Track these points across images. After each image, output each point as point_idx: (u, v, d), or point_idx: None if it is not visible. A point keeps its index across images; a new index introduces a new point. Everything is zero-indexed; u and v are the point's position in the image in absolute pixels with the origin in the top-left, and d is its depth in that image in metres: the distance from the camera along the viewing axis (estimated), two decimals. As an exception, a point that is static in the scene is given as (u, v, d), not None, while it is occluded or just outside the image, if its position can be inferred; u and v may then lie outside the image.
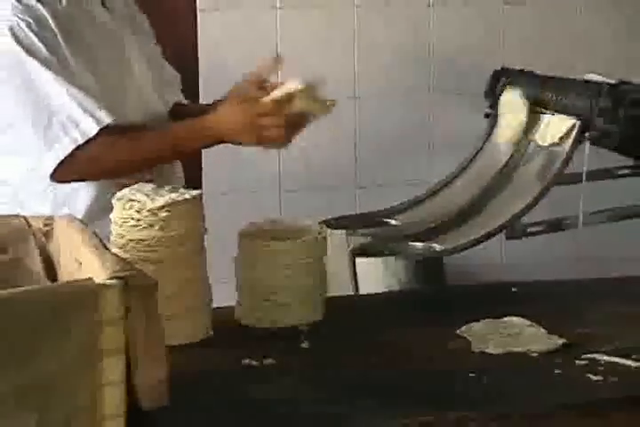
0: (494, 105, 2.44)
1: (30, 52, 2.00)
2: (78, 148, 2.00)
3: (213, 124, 2.05)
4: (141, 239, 1.71)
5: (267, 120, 1.99)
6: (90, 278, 1.24)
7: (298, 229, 1.91)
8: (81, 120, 2.00)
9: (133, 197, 1.75)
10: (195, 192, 1.78)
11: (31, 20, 2.01)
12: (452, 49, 3.21)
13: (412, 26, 3.21)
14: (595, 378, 1.61)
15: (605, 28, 3.29)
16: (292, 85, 2.00)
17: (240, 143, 2.08)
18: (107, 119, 2.01)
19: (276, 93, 1.99)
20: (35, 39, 2.00)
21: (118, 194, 1.78)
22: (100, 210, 1.97)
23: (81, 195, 2.11)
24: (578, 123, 2.15)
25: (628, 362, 1.66)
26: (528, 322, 1.84)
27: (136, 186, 1.81)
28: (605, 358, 1.68)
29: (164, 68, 2.36)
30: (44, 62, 2.00)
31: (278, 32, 3.16)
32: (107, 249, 1.39)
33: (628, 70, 2.25)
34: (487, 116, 2.45)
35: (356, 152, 3.17)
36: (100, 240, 1.42)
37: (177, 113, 2.30)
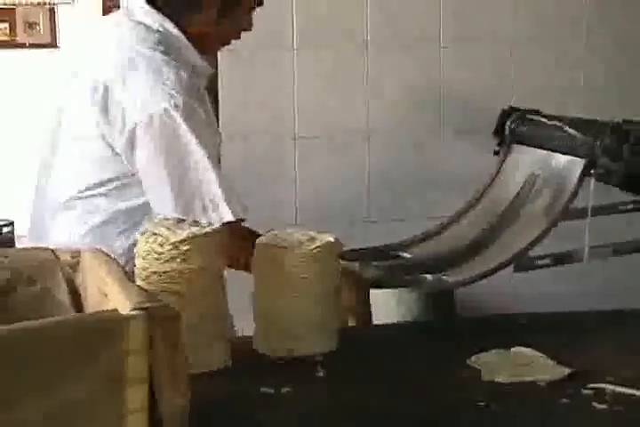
0: (502, 143, 2.45)
1: (194, 122, 2.02)
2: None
3: None
4: (164, 271, 1.71)
5: None
6: (115, 309, 1.24)
7: (312, 238, 1.89)
8: (223, 204, 2.04)
9: (156, 231, 1.76)
10: (215, 226, 1.79)
11: (195, 96, 2.05)
12: (461, 89, 3.23)
13: (423, 66, 3.23)
14: (600, 407, 1.61)
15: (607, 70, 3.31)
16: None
17: None
18: (241, 213, 2.06)
19: None
20: (202, 113, 2.05)
21: (142, 228, 1.79)
22: None
23: None
24: (583, 160, 2.15)
25: (633, 391, 1.67)
26: (536, 352, 1.83)
27: (158, 220, 1.82)
28: (611, 387, 1.68)
29: None
30: (202, 137, 2.03)
31: (295, 72, 3.18)
32: (131, 281, 1.40)
33: (624, 111, 2.25)
34: (496, 153, 2.46)
35: (368, 187, 3.18)
36: (125, 272, 1.43)
37: None
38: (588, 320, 2.12)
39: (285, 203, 3.11)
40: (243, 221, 2.09)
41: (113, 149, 2.06)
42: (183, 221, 1.81)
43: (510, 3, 3.24)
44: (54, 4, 6.29)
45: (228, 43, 2.24)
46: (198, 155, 2.02)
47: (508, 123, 2.43)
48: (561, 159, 2.24)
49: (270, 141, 3.15)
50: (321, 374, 1.77)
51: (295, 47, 3.17)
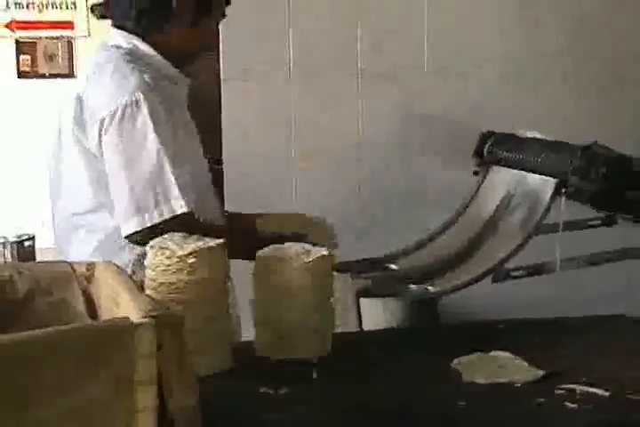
0: (482, 164, 2.46)
1: (155, 120, 2.01)
2: (165, 221, 2.01)
3: None
4: (171, 282, 1.72)
5: None
6: (126, 317, 1.25)
7: (307, 251, 1.89)
8: (174, 198, 2.01)
9: (164, 245, 1.76)
10: (218, 241, 1.79)
11: (156, 97, 2.04)
12: (444, 114, 3.23)
13: (410, 93, 3.23)
14: (571, 406, 1.61)
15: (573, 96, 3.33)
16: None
17: None
18: (187, 206, 2.02)
19: None
20: (162, 111, 2.04)
21: (152, 242, 1.79)
22: None
23: None
24: (555, 180, 2.16)
25: (600, 391, 1.67)
26: (512, 356, 1.84)
27: (167, 235, 1.82)
28: (581, 388, 1.69)
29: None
30: (163, 140, 2.02)
31: (292, 99, 3.18)
32: (141, 291, 1.41)
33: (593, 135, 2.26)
34: (475, 173, 2.47)
35: (358, 204, 3.19)
36: (135, 283, 1.44)
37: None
38: (559, 326, 2.12)
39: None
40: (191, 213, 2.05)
41: (94, 156, 2.07)
42: (189, 236, 1.81)
43: (495, 33, 3.24)
44: (72, 38, 6.33)
45: (200, 55, 2.26)
46: (153, 149, 2.00)
47: (487, 145, 2.44)
48: (535, 179, 2.25)
49: (271, 160, 3.16)
50: (315, 375, 1.77)
51: (291, 75, 3.18)
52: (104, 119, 2.02)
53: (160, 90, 2.07)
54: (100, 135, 2.04)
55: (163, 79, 2.12)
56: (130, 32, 2.15)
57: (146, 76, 2.05)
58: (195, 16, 2.13)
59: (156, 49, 2.14)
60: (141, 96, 2.01)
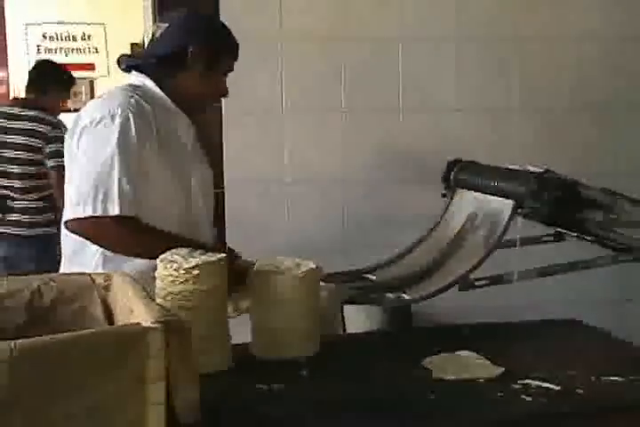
0: (449, 188, 2.46)
1: (123, 137, 1.96)
2: (96, 217, 1.93)
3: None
4: (178, 292, 1.72)
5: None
6: (139, 323, 1.25)
7: (298, 264, 1.88)
8: (111, 201, 1.93)
9: (172, 259, 1.76)
10: (220, 255, 1.79)
11: (137, 116, 2.00)
12: (417, 145, 3.25)
13: (388, 128, 3.24)
14: (528, 399, 1.61)
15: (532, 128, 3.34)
16: None
17: None
18: (131, 211, 1.95)
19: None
20: (133, 133, 1.98)
21: (161, 256, 1.78)
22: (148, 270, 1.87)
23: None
24: (513, 202, 2.16)
25: (552, 386, 1.67)
26: (476, 355, 1.84)
27: (175, 250, 1.82)
28: (535, 382, 1.68)
29: (212, 189, 2.33)
30: (125, 153, 1.96)
31: (284, 132, 3.19)
32: (152, 299, 1.40)
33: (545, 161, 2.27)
34: (444, 196, 2.47)
35: (343, 224, 3.19)
36: (147, 292, 1.43)
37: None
38: (518, 328, 2.12)
39: (277, 239, 3.11)
40: (132, 218, 1.96)
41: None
42: (195, 250, 1.81)
43: (455, 77, 3.26)
44: (94, 78, 6.34)
45: (208, 103, 2.25)
46: (109, 153, 1.95)
47: (453, 172, 2.44)
48: (495, 201, 2.24)
49: (265, 188, 3.16)
50: (305, 373, 1.77)
51: (284, 112, 3.18)
52: (84, 127, 2.00)
53: (146, 112, 2.02)
54: (78, 140, 2.02)
55: (159, 108, 2.08)
56: (146, 75, 2.14)
57: (132, 100, 2.02)
58: (205, 68, 2.12)
59: (164, 91, 2.12)
60: (119, 110, 1.98)
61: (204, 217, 2.21)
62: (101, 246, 2.01)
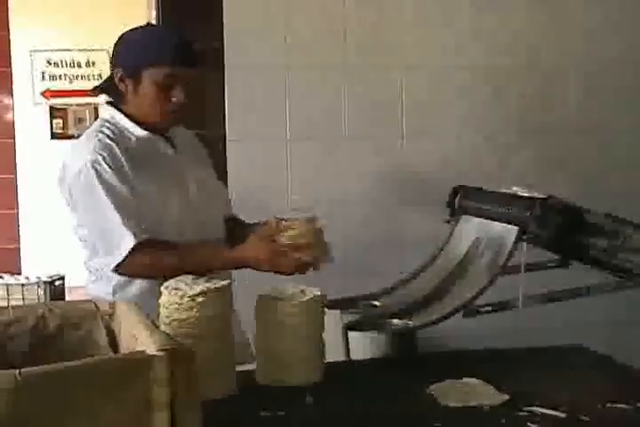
0: (453, 213, 2.46)
1: (103, 181, 2.04)
2: (128, 256, 2.03)
3: (240, 259, 2.03)
4: (183, 319, 1.72)
5: (283, 261, 1.99)
6: (143, 350, 1.25)
7: (302, 291, 1.90)
8: (127, 237, 2.02)
9: (176, 286, 1.77)
10: (224, 282, 1.79)
11: (106, 155, 2.06)
12: (420, 171, 3.26)
13: (390, 153, 3.26)
14: (533, 426, 1.60)
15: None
16: (304, 228, 1.99)
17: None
18: (142, 237, 2.03)
19: (290, 234, 1.99)
20: (108, 169, 2.05)
21: (165, 283, 1.79)
22: (150, 296, 1.95)
23: (135, 283, 2.13)
24: (517, 228, 2.17)
25: (558, 413, 1.66)
26: (481, 382, 1.83)
27: (179, 277, 1.82)
28: (540, 410, 1.68)
29: (217, 187, 2.36)
30: (112, 191, 2.04)
31: (288, 158, 3.21)
32: (156, 327, 1.40)
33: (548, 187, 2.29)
34: (447, 222, 2.47)
35: (344, 249, 3.18)
36: (152, 320, 1.43)
37: (231, 229, 2.32)
38: (521, 355, 2.12)
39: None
40: (149, 240, 2.05)
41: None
42: (199, 278, 1.81)
43: (453, 103, 3.29)
44: (97, 104, 6.36)
45: (169, 120, 2.19)
46: (103, 200, 2.04)
47: (457, 198, 2.45)
48: (499, 227, 2.25)
49: (270, 208, 3.16)
50: (309, 400, 1.76)
51: (289, 139, 3.20)
52: (69, 183, 2.10)
53: (111, 148, 2.08)
54: (69, 193, 2.12)
55: (127, 137, 2.13)
56: (114, 105, 2.20)
57: (96, 141, 2.08)
58: (136, 86, 2.12)
59: (127, 117, 2.16)
60: (89, 157, 2.05)
61: (209, 215, 2.25)
62: (151, 277, 2.07)
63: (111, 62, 2.18)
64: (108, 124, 2.16)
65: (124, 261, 2.04)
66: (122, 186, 2.05)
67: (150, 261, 2.05)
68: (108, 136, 2.11)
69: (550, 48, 3.36)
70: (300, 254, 1.98)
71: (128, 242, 2.02)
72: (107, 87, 2.20)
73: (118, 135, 2.13)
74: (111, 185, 2.05)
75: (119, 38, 2.17)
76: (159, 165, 2.17)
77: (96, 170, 2.05)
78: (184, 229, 2.14)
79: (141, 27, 2.20)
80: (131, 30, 2.17)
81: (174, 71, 2.09)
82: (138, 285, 2.12)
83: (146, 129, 2.16)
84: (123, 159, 2.08)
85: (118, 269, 2.06)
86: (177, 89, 2.10)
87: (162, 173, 2.16)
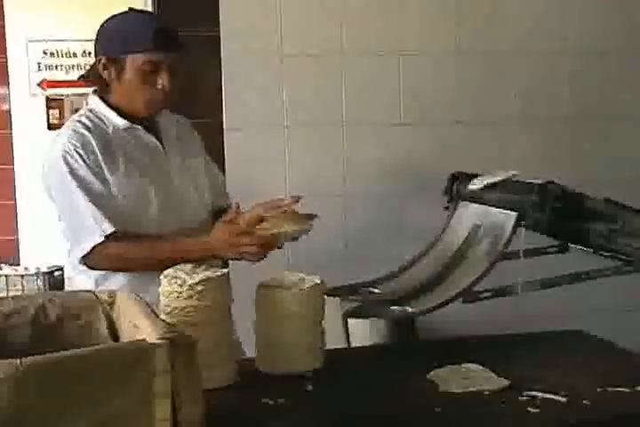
0: (451, 200, 2.46)
1: (73, 172, 2.05)
2: (93, 249, 2.03)
3: (205, 244, 2.03)
4: (183, 307, 1.72)
5: (244, 239, 1.96)
6: (144, 339, 1.25)
7: (302, 279, 1.89)
8: (93, 230, 2.03)
9: (176, 275, 1.77)
10: (223, 270, 1.79)
11: (79, 144, 2.06)
12: (418, 158, 3.26)
13: (389, 142, 3.26)
14: (533, 411, 1.61)
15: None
16: (260, 210, 1.98)
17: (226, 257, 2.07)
18: (109, 230, 2.02)
19: (247, 216, 1.97)
20: (80, 160, 2.05)
21: (165, 272, 1.79)
22: (139, 285, 1.98)
23: (117, 275, 2.12)
24: (515, 214, 2.17)
25: (558, 397, 1.67)
26: (481, 367, 1.84)
27: (179, 266, 1.82)
28: (541, 394, 1.69)
29: (210, 176, 2.35)
30: (82, 183, 2.04)
31: (286, 145, 3.20)
32: (156, 315, 1.41)
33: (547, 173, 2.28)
34: (446, 208, 2.47)
35: (344, 238, 3.20)
36: (152, 309, 1.44)
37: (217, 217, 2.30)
38: (520, 341, 2.11)
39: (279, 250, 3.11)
40: (116, 233, 2.04)
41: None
42: (198, 266, 1.81)
43: (452, 89, 3.29)
44: (94, 94, 6.34)
45: (153, 108, 2.17)
46: (76, 195, 2.04)
47: (455, 184, 2.45)
48: (498, 213, 2.25)
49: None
50: (310, 387, 1.77)
51: (286, 125, 3.20)
52: (44, 173, 2.12)
53: (86, 139, 2.08)
54: (47, 188, 2.13)
55: (106, 128, 2.13)
56: (99, 95, 2.19)
57: (72, 132, 2.08)
58: (119, 74, 2.10)
59: (111, 106, 2.16)
60: (62, 149, 2.06)
61: (192, 207, 2.23)
62: (120, 270, 2.09)
63: (95, 51, 2.17)
64: (88, 114, 2.15)
65: (89, 253, 2.04)
66: (92, 177, 2.05)
67: (117, 253, 2.05)
68: (84, 125, 2.11)
69: (550, 33, 3.35)
70: (261, 233, 1.96)
71: (95, 234, 2.02)
72: (92, 76, 2.18)
73: (97, 125, 2.12)
74: (81, 177, 2.05)
75: (101, 26, 2.15)
76: (139, 155, 2.15)
77: (67, 161, 2.05)
78: (165, 219, 2.12)
79: (122, 13, 2.16)
80: (111, 17, 2.15)
81: (156, 57, 2.07)
82: (120, 277, 2.11)
83: (131, 118, 2.15)
84: (97, 149, 2.07)
85: (85, 260, 2.06)
86: (161, 75, 2.08)
87: (141, 162, 2.14)
